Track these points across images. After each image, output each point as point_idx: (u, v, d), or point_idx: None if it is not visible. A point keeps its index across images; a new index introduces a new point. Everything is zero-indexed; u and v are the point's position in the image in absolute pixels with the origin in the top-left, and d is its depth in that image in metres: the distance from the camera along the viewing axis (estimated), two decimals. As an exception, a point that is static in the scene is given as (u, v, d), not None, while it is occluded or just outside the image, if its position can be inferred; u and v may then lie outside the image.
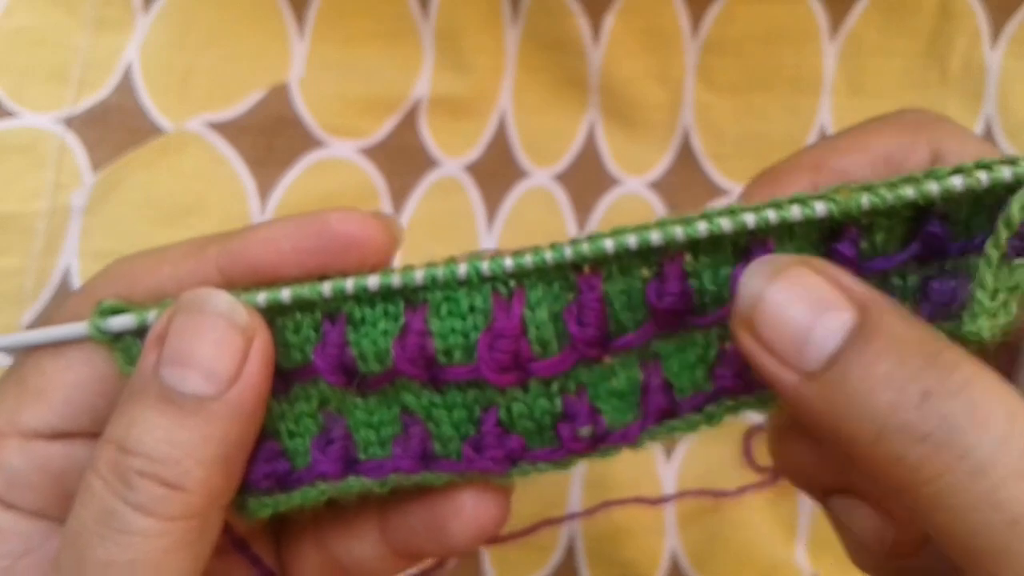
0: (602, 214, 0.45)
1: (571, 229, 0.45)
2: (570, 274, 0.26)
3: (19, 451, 0.27)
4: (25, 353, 0.28)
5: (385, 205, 0.45)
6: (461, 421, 0.27)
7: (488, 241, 0.45)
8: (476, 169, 0.46)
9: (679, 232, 0.25)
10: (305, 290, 0.26)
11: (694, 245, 0.25)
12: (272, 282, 0.27)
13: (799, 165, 0.27)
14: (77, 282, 0.43)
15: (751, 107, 0.45)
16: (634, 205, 0.45)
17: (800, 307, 0.22)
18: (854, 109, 0.45)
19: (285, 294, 0.26)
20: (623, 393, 0.27)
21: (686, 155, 0.46)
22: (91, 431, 0.27)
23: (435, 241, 0.45)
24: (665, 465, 0.44)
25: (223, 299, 0.25)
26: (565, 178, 0.46)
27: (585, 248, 0.25)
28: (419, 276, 0.26)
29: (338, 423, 0.28)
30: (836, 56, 0.45)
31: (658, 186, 0.46)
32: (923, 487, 0.20)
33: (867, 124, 0.28)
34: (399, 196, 0.45)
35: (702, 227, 0.25)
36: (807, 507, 0.44)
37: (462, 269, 0.26)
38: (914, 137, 0.27)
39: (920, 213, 0.25)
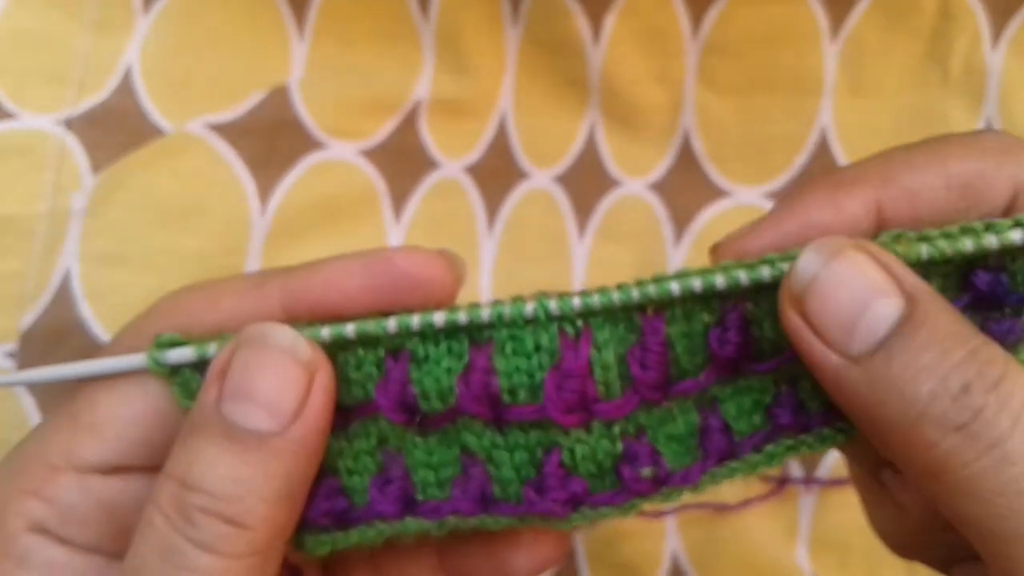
0: (602, 216, 0.45)
1: (571, 231, 0.45)
2: (634, 315, 0.26)
3: (74, 486, 0.27)
4: (77, 387, 0.28)
5: (385, 207, 0.45)
6: (522, 463, 0.26)
7: (488, 243, 0.45)
8: (476, 170, 0.46)
9: (743, 277, 0.25)
10: (370, 326, 0.26)
11: (757, 292, 0.25)
12: (335, 318, 0.26)
13: (866, 177, 0.26)
14: (77, 285, 0.43)
15: (752, 108, 0.45)
16: (635, 206, 0.45)
17: (851, 292, 0.22)
18: (855, 110, 0.45)
19: (349, 329, 0.26)
20: (682, 436, 0.27)
21: (686, 156, 0.46)
22: (146, 465, 0.27)
23: (435, 243, 0.45)
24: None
25: (286, 334, 0.25)
26: (565, 179, 0.46)
27: (651, 290, 0.25)
28: (486, 314, 0.26)
29: (396, 462, 0.27)
30: (837, 57, 0.45)
31: (658, 187, 0.45)
32: (952, 473, 0.21)
33: (946, 141, 0.27)
34: (399, 198, 0.45)
35: (765, 272, 0.25)
36: (808, 509, 0.44)
37: (529, 307, 0.26)
38: (997, 166, 0.26)
39: (972, 263, 0.25)
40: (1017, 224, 0.25)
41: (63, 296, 0.42)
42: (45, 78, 0.44)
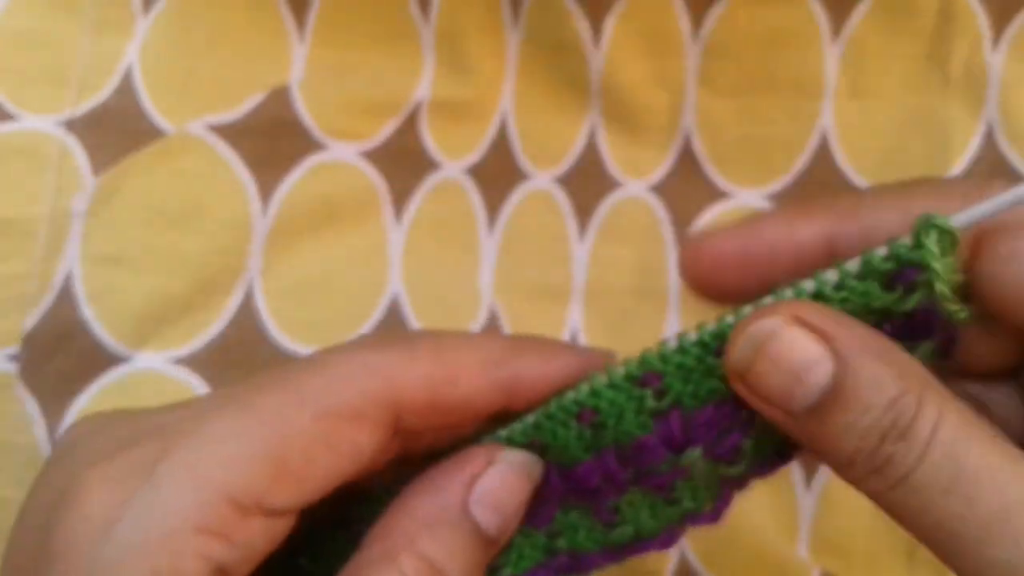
0: (603, 217, 0.45)
1: (572, 232, 0.45)
2: None
3: (262, 530, 0.26)
4: (274, 421, 0.27)
5: (386, 208, 0.45)
6: None
7: (489, 243, 0.45)
8: (477, 171, 0.46)
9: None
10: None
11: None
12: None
13: (829, 208, 0.28)
14: (79, 286, 0.43)
15: (752, 110, 0.45)
16: (635, 208, 0.45)
17: (785, 371, 0.25)
18: (856, 112, 0.45)
19: None
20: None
21: (687, 158, 0.46)
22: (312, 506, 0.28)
23: (436, 243, 0.45)
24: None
25: (524, 457, 0.29)
26: (566, 181, 0.46)
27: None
28: None
29: None
30: (837, 59, 0.45)
31: (659, 189, 0.46)
32: (876, 498, 0.25)
33: (917, 181, 0.28)
34: (400, 198, 0.45)
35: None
36: (807, 513, 0.44)
37: None
38: (960, 207, 0.26)
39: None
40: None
41: (65, 298, 0.42)
42: (45, 79, 0.44)
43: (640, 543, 0.29)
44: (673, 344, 0.27)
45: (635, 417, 0.27)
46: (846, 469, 0.25)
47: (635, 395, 0.27)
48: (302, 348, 0.44)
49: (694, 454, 0.28)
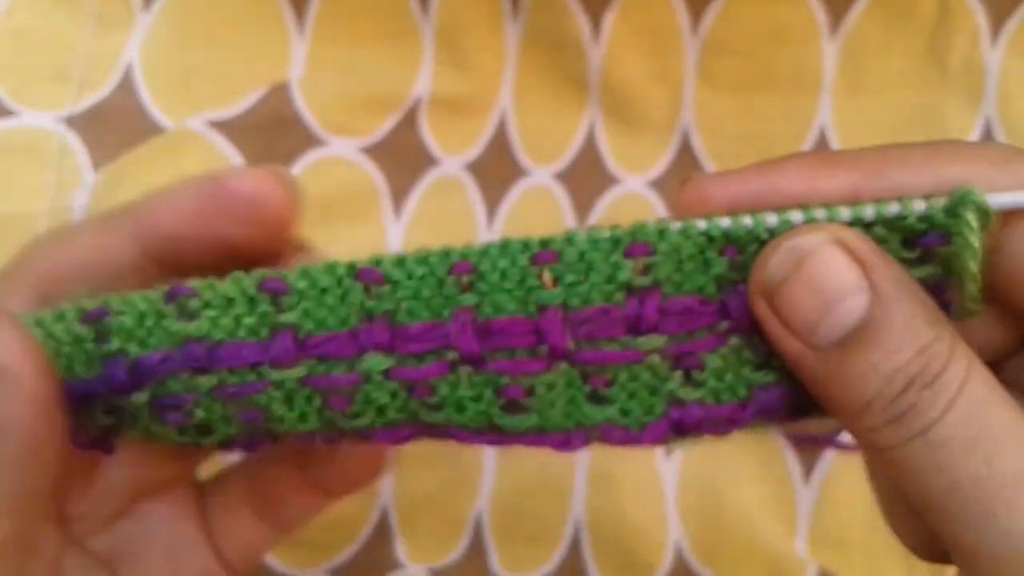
0: (602, 213, 0.45)
1: (571, 227, 0.45)
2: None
3: None
4: None
5: (385, 204, 0.45)
6: None
7: (488, 239, 0.45)
8: (476, 167, 0.46)
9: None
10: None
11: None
12: (183, 250, 0.27)
13: (854, 163, 0.26)
14: (79, 282, 0.43)
15: (751, 106, 0.45)
16: (634, 204, 0.45)
17: (819, 295, 0.23)
18: (854, 108, 0.45)
19: None
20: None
21: (686, 154, 0.46)
22: None
23: (435, 239, 0.45)
24: (665, 462, 0.44)
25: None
26: (565, 177, 0.46)
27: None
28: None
29: None
30: (836, 55, 0.45)
31: (658, 185, 0.46)
32: (886, 452, 0.23)
33: (945, 144, 0.26)
34: (399, 195, 0.45)
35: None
36: (807, 502, 0.44)
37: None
38: (994, 176, 0.25)
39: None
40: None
41: (64, 294, 0.43)
42: (46, 76, 0.44)
43: (535, 436, 0.25)
44: (677, 225, 0.24)
45: (604, 284, 0.24)
46: (858, 416, 0.23)
47: (612, 261, 0.24)
48: (302, 343, 0.44)
49: (656, 340, 0.24)
